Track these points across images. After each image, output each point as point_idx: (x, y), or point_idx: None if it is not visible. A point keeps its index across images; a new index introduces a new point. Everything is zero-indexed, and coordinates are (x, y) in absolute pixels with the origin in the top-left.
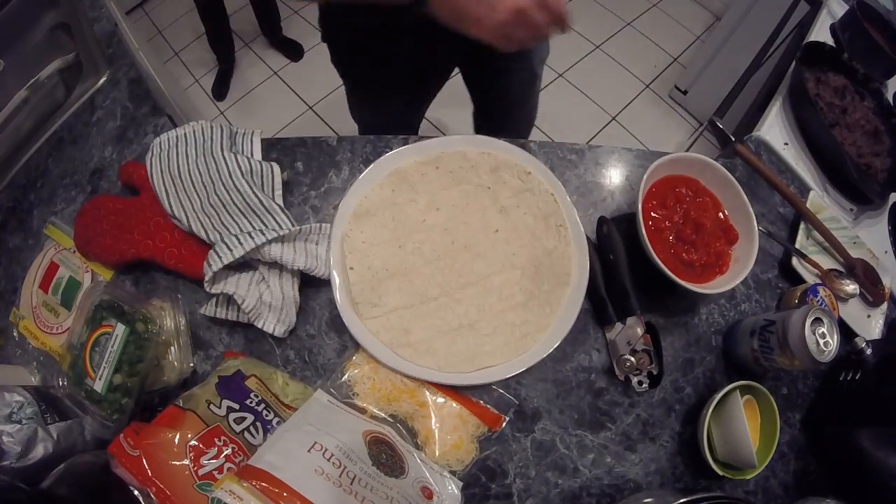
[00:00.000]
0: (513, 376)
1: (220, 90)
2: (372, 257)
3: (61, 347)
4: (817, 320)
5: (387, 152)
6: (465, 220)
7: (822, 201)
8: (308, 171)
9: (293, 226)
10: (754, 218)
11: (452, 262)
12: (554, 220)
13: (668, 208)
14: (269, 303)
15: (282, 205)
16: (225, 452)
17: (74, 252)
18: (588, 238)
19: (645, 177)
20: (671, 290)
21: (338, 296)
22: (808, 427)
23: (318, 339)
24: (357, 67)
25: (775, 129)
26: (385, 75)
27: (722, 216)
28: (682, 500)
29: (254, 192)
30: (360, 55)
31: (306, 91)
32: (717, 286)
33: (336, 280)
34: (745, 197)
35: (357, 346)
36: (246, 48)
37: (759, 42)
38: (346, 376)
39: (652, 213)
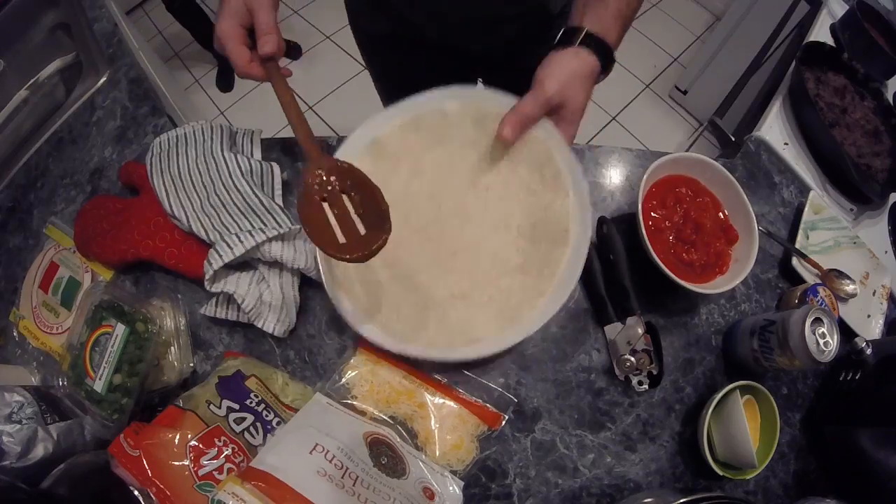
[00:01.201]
0: (513, 376)
1: (224, 83)
2: None
3: (61, 347)
4: (817, 320)
5: None
6: (451, 182)
7: (822, 201)
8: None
9: (293, 225)
10: (754, 218)
11: (441, 229)
12: (549, 170)
13: (668, 208)
14: (269, 302)
15: (282, 204)
16: (225, 453)
17: (74, 252)
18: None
19: (645, 177)
20: (671, 290)
21: (325, 277)
22: (808, 427)
23: (318, 339)
24: (378, 68)
25: (775, 129)
26: (403, 79)
27: (722, 216)
28: (682, 500)
29: (254, 192)
30: (381, 57)
31: (306, 91)
32: (717, 286)
33: (320, 259)
34: (745, 197)
35: (355, 347)
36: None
37: (759, 42)
38: (344, 379)
39: (652, 213)
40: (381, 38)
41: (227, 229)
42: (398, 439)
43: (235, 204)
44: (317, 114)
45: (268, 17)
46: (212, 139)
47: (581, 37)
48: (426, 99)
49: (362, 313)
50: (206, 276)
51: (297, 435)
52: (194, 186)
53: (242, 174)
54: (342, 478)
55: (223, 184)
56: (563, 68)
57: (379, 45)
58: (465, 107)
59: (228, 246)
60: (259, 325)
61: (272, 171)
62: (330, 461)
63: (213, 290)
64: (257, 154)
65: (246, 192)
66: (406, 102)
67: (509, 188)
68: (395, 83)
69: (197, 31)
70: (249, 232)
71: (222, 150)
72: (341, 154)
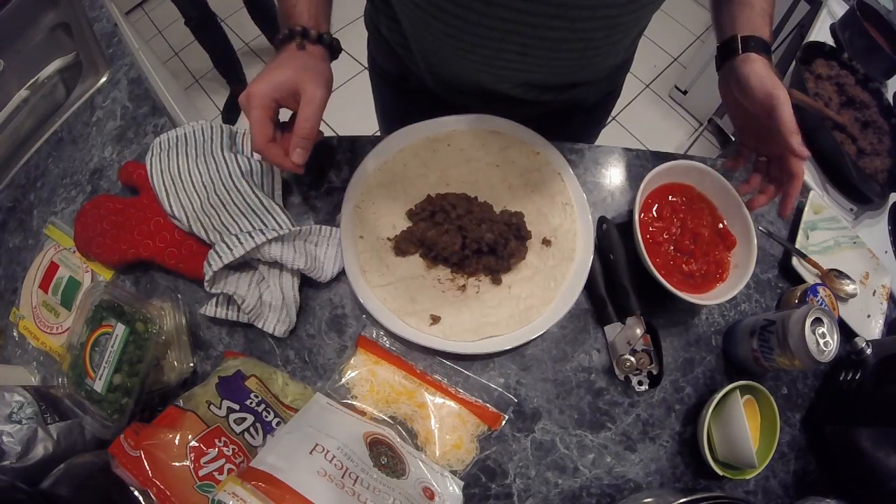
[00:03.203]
0: (513, 376)
1: (230, 115)
2: (381, 227)
3: (61, 347)
4: (817, 320)
5: None
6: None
7: (822, 201)
8: (308, 171)
9: (293, 226)
10: (752, 223)
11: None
12: (560, 198)
13: (664, 220)
14: (269, 303)
15: (282, 205)
16: (225, 454)
17: (74, 252)
18: None
19: (640, 190)
20: (672, 295)
21: (347, 263)
22: (808, 427)
23: (318, 339)
24: (380, 101)
25: None
26: (405, 121)
27: (718, 222)
28: (682, 500)
29: (254, 192)
30: (385, 94)
31: None
32: (718, 295)
33: (346, 247)
34: (740, 200)
35: (355, 347)
36: (245, 48)
37: None
38: (344, 379)
39: (649, 227)
40: (390, 76)
41: (227, 229)
42: (398, 439)
43: (235, 204)
44: None
45: (314, 115)
46: (212, 139)
47: (740, 43)
48: (460, 120)
49: (380, 301)
50: (206, 278)
51: (297, 435)
52: (194, 186)
53: (242, 174)
54: (342, 478)
55: (223, 184)
56: (768, 75)
57: (386, 81)
58: (494, 133)
59: (228, 247)
60: (259, 326)
61: (272, 171)
62: (330, 461)
63: (213, 291)
64: (257, 154)
65: (246, 192)
66: (441, 120)
67: (524, 209)
68: (393, 122)
69: (216, 52)
70: (249, 233)
71: (222, 150)
72: (376, 153)
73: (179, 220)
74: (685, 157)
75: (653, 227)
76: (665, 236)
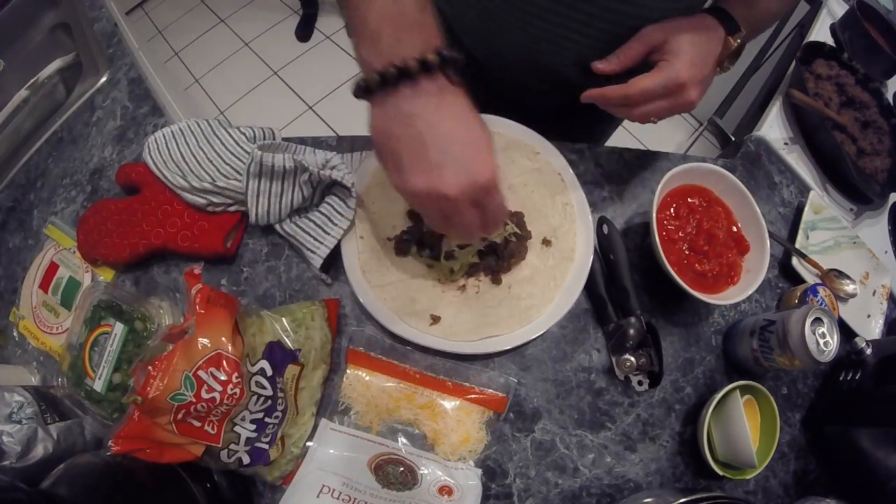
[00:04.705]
0: (513, 376)
1: (304, 33)
2: (382, 228)
3: (61, 347)
4: (817, 320)
5: None
6: None
7: (822, 201)
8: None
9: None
10: (766, 229)
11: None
12: (560, 198)
13: (680, 219)
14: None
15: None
16: (225, 385)
17: (74, 252)
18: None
19: (658, 188)
20: (677, 294)
21: (347, 263)
22: (808, 427)
23: None
24: None
25: (775, 129)
26: None
27: (734, 227)
28: (682, 500)
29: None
30: None
31: (306, 91)
32: (728, 297)
33: (346, 247)
34: (757, 208)
35: (346, 363)
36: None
37: (759, 42)
38: (342, 400)
39: (666, 224)
40: None
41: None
42: (405, 444)
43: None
44: (317, 114)
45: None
46: (210, 126)
47: (716, 13)
48: None
49: (381, 302)
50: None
51: (302, 483)
52: (201, 166)
53: (248, 139)
54: None
55: (233, 154)
56: (668, 21)
57: None
58: (494, 133)
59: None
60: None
61: (273, 134)
62: (337, 498)
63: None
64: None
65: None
66: None
67: (524, 209)
68: None
69: None
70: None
71: (220, 128)
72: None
73: (202, 190)
74: (704, 159)
75: (669, 225)
76: (680, 234)
